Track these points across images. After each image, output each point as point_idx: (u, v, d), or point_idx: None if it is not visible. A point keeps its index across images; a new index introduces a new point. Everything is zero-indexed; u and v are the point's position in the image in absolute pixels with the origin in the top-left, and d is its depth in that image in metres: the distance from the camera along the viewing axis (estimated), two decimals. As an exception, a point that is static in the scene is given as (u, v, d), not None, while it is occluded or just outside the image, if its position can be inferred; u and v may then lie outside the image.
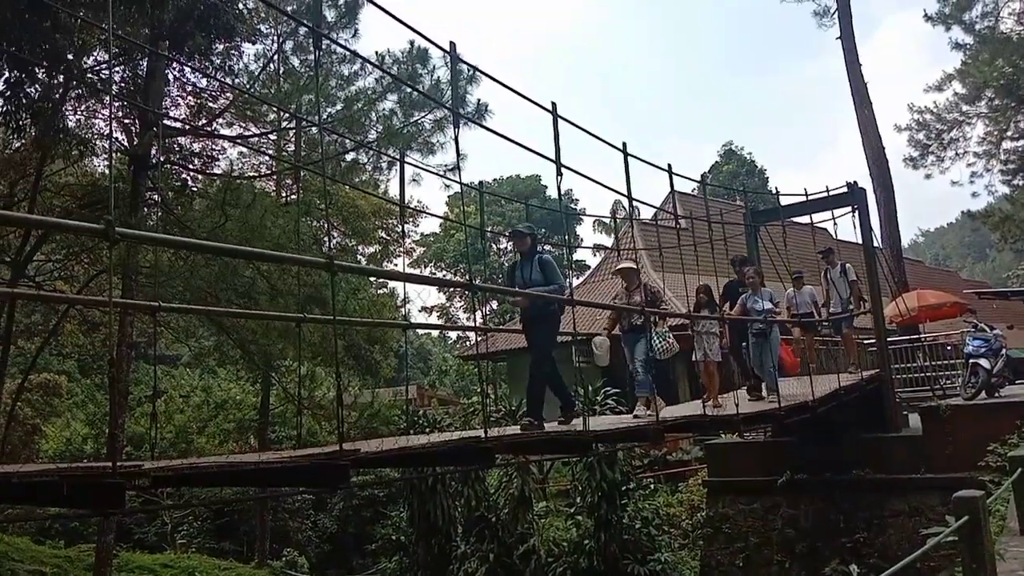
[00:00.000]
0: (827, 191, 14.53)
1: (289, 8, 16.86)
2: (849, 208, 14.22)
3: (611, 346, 9.17)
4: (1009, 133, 28.73)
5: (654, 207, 16.79)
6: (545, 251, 8.13)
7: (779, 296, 13.54)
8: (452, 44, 6.23)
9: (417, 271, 51.31)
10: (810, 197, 14.74)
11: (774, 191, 16.07)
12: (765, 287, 11.63)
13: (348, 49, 16.37)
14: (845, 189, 14.33)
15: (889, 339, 14.85)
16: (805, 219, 15.50)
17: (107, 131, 15.36)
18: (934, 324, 19.99)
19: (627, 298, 9.37)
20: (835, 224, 14.61)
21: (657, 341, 9.15)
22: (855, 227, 14.16)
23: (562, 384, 8.02)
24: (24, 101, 11.23)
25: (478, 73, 11.80)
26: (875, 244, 14.89)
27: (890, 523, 12.38)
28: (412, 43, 16.48)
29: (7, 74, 11.16)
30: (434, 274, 54.20)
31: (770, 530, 13.72)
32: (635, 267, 9.95)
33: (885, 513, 12.50)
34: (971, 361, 12.92)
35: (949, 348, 16.66)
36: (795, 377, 12.88)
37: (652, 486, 17.39)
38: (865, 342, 16.08)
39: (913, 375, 16.05)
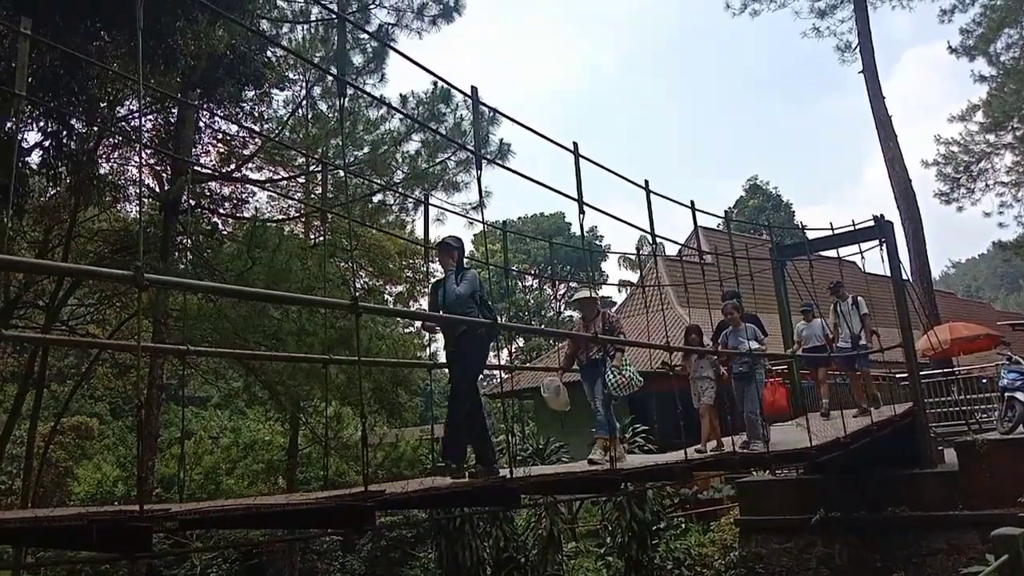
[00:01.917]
0: (853, 225, 14.44)
1: (318, 54, 17.23)
2: (877, 241, 14.09)
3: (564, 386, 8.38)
4: (1037, 163, 28.51)
5: (678, 243, 16.79)
6: (471, 268, 7.17)
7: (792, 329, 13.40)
8: (474, 88, 6.34)
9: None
10: (836, 231, 14.64)
11: (800, 225, 16.02)
12: (761, 322, 10.77)
13: (372, 96, 16.65)
14: (872, 223, 14.23)
15: (922, 373, 14.61)
16: (832, 253, 15.39)
17: (139, 177, 15.77)
18: (968, 357, 19.66)
19: (584, 330, 8.63)
20: (863, 258, 14.48)
21: (612, 376, 8.20)
22: (883, 260, 14.02)
23: (484, 430, 6.80)
24: (63, 150, 11.55)
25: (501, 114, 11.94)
26: (905, 277, 14.72)
27: (928, 562, 12.08)
28: (435, 83, 16.76)
29: (44, 124, 11.51)
30: (460, 312, 54.32)
31: (804, 570, 13.44)
32: (593, 296, 9.07)
33: (922, 551, 12.20)
34: (1007, 395, 12.66)
35: (984, 381, 16.36)
36: (786, 422, 12.37)
37: (683, 525, 17.14)
38: (897, 376, 15.84)
39: (947, 409, 15.75)
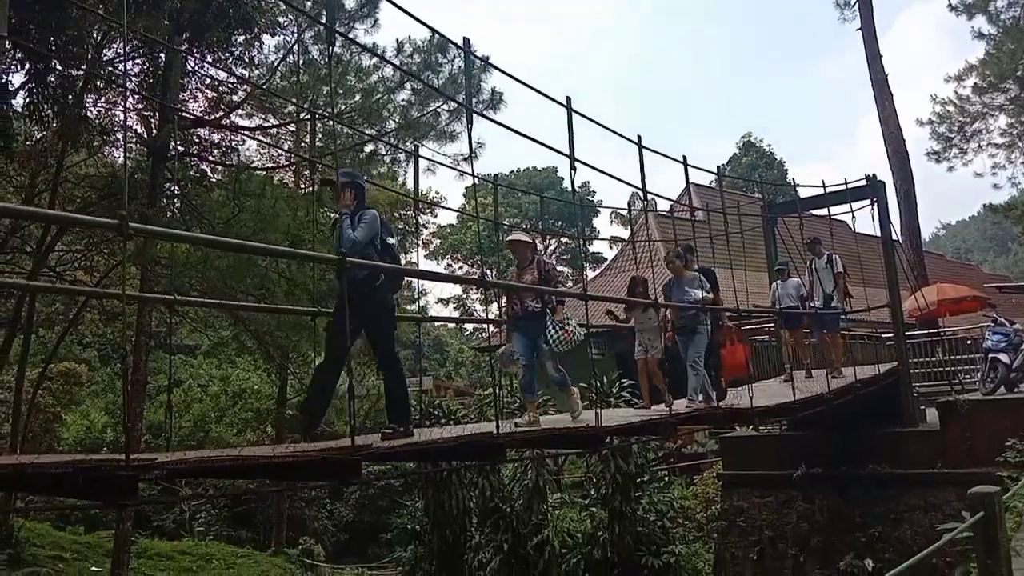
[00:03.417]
0: (846, 184, 14.38)
1: (310, -2, 16.85)
2: (868, 201, 14.05)
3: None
4: (1032, 125, 28.38)
5: (670, 199, 16.70)
6: (371, 208, 6.18)
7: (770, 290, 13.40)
8: (466, 40, 6.23)
9: (434, 263, 51.46)
10: (828, 189, 14.58)
11: (792, 183, 15.91)
12: (714, 275, 9.96)
13: (361, 45, 16.34)
14: (864, 182, 14.19)
15: (907, 333, 14.73)
16: (823, 211, 15.36)
17: (125, 122, 15.51)
18: (954, 318, 19.82)
19: (518, 277, 7.77)
20: (853, 217, 14.44)
21: (554, 332, 7.41)
22: (874, 220, 13.99)
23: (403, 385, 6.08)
24: (48, 92, 11.33)
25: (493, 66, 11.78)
26: (894, 237, 14.73)
27: (906, 518, 12.32)
28: (433, 31, 16.48)
29: (28, 66, 11.27)
30: (450, 266, 54.39)
31: (785, 524, 13.69)
32: (526, 239, 8.08)
33: (901, 508, 12.43)
34: (990, 356, 12.82)
35: (968, 342, 16.52)
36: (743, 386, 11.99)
37: (667, 478, 17.38)
38: (883, 336, 15.95)
39: (931, 369, 15.92)
